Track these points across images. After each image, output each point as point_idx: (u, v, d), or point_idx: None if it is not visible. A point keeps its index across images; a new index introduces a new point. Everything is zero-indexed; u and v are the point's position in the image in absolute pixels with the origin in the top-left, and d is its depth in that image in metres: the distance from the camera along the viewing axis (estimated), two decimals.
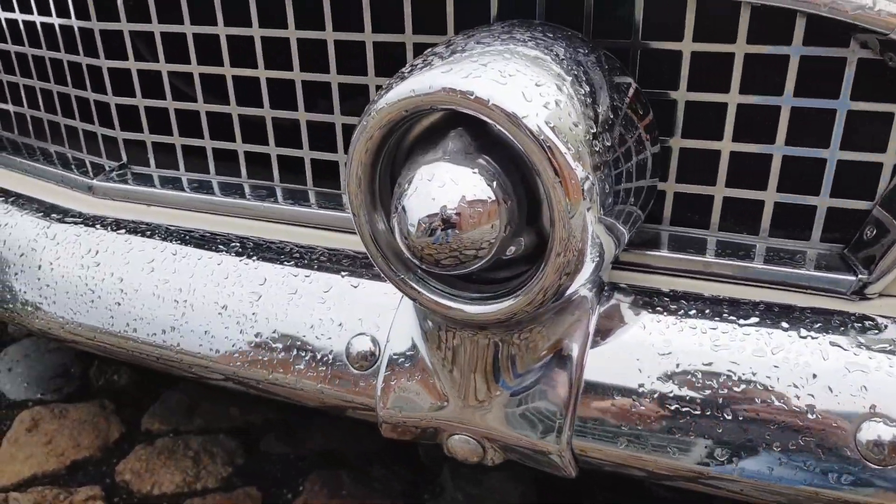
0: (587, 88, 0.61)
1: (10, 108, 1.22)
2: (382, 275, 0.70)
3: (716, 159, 0.76)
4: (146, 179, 1.05)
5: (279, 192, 0.98)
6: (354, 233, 0.89)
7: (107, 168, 1.10)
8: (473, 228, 0.58)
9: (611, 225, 0.62)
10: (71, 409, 1.65)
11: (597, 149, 0.59)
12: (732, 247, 0.77)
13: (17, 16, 1.10)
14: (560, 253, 0.59)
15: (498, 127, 0.58)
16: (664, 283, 0.75)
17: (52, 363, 1.81)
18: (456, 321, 0.69)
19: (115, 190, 1.02)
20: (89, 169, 1.11)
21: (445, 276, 0.67)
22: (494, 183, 0.59)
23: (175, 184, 1.02)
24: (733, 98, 0.73)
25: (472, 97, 0.57)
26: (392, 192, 0.69)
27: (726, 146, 0.75)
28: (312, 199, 0.95)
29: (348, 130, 0.91)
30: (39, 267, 0.97)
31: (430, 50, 0.66)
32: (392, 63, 0.85)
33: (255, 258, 0.88)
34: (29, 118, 1.20)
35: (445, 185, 0.58)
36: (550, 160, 0.56)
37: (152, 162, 1.06)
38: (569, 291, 0.62)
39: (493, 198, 0.59)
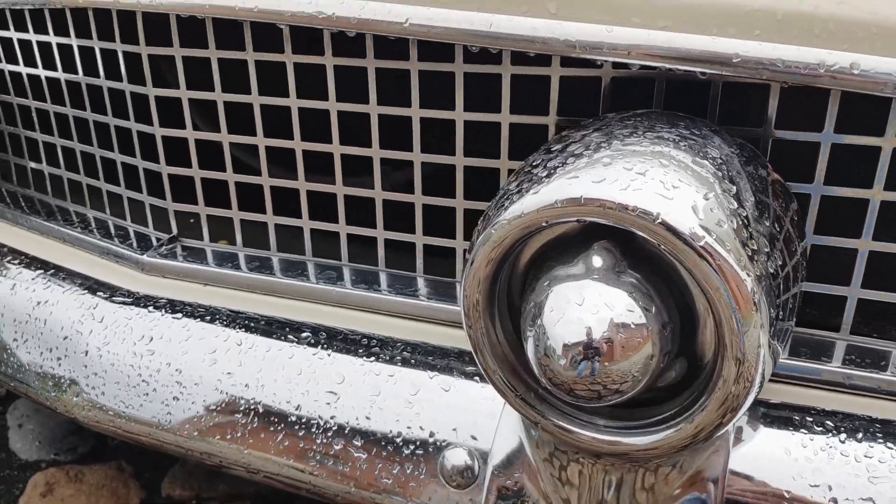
0: (752, 199, 0.53)
1: (45, 168, 1.13)
2: (498, 393, 0.61)
3: (851, 258, 0.69)
4: (199, 254, 0.96)
5: (347, 274, 0.89)
6: (437, 324, 0.82)
7: (153, 239, 1.01)
8: (627, 359, 0.50)
9: (774, 347, 0.54)
10: (87, 471, 1.55)
11: (771, 270, 0.51)
12: (870, 354, 0.69)
13: (60, 75, 1.02)
14: (729, 383, 0.51)
15: (658, 245, 0.50)
16: (797, 396, 0.67)
17: (63, 419, 1.70)
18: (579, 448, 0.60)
19: (168, 267, 0.93)
20: (133, 239, 1.02)
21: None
22: (653, 308, 0.51)
23: (232, 261, 0.93)
24: (876, 194, 0.66)
25: (634, 213, 0.49)
26: (509, 297, 0.61)
27: (865, 245, 0.68)
28: (385, 282, 0.87)
29: (428, 211, 0.83)
30: (86, 353, 0.87)
31: (558, 144, 0.58)
32: (482, 143, 0.77)
33: (329, 351, 0.79)
34: (66, 181, 1.11)
35: (599, 312, 0.50)
36: (728, 284, 0.48)
37: (206, 236, 0.97)
38: (727, 427, 0.53)
39: (651, 325, 0.50)
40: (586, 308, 0.50)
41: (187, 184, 0.95)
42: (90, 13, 0.91)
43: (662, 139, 0.55)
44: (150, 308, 0.89)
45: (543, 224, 0.52)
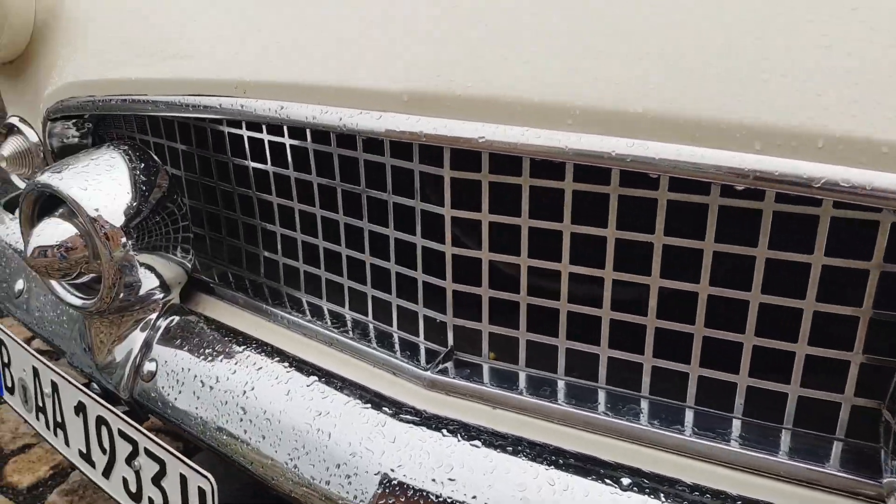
0: None
1: (301, 265, 1.11)
2: None
3: None
4: (476, 370, 0.90)
5: (646, 409, 0.80)
6: (777, 480, 0.72)
7: (422, 348, 0.96)
8: None
9: None
10: None
11: None
12: None
13: (337, 184, 1.00)
14: None
15: None
16: None
17: (238, 476, 1.66)
18: None
19: (452, 385, 0.87)
20: (398, 347, 0.98)
21: None
22: None
23: (515, 381, 0.87)
24: None
25: None
26: None
27: None
28: (691, 421, 0.78)
29: (761, 354, 0.74)
30: (378, 473, 0.82)
31: None
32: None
33: (657, 500, 0.70)
34: (323, 280, 1.08)
35: None
36: None
37: (485, 351, 0.91)
38: None
39: None
40: None
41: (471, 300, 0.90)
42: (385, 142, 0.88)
43: None
44: (444, 431, 0.82)
45: None
